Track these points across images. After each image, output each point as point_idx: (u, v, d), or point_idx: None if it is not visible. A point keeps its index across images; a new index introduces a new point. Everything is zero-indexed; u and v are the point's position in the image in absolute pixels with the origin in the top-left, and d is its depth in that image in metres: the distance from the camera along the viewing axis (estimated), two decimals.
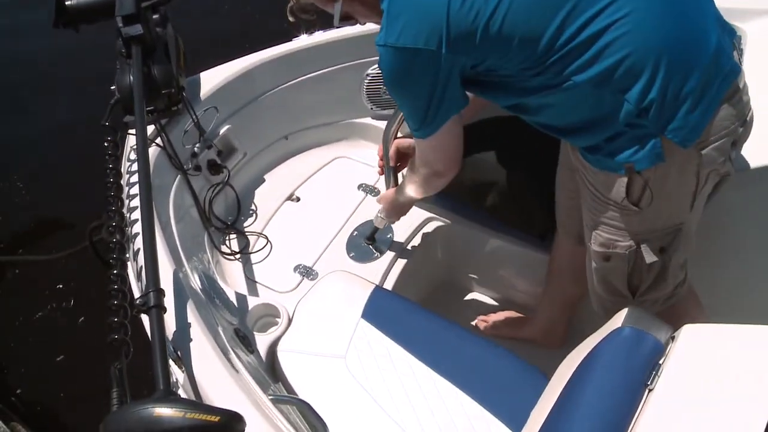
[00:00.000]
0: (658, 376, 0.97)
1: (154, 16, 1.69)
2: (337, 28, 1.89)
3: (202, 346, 1.14)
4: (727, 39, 1.11)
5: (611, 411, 0.98)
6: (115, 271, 1.18)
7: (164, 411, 0.89)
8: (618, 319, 1.10)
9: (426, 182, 1.40)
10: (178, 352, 1.14)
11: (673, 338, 1.04)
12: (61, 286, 2.51)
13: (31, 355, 2.37)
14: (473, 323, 1.89)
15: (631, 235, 1.20)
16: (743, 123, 1.13)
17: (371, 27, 1.89)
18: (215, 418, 0.92)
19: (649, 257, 1.22)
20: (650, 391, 0.97)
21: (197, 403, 0.96)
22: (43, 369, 2.30)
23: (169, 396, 0.97)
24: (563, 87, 1.05)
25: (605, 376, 1.02)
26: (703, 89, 1.04)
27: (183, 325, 1.17)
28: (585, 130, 1.11)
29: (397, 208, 1.66)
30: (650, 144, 1.05)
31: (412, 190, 1.48)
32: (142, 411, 0.89)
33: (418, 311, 1.50)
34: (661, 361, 1.00)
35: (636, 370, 1.01)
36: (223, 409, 0.93)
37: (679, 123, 1.03)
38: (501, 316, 1.86)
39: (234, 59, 1.91)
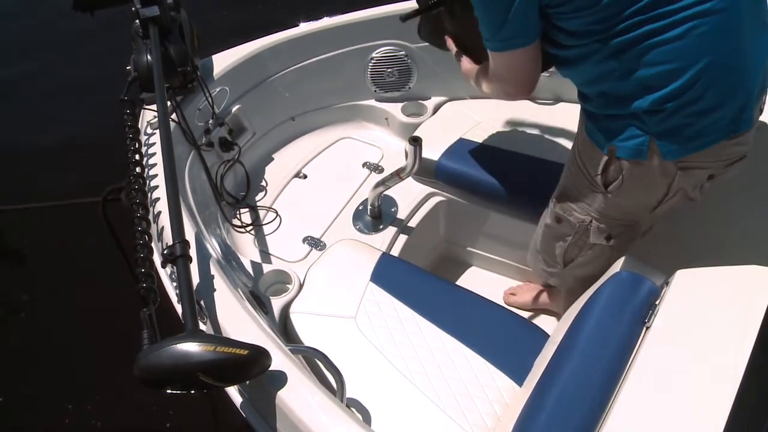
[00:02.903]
0: (655, 315, 1.04)
1: (168, 1, 1.77)
2: None
3: (224, 296, 1.19)
4: (760, 95, 1.10)
5: (609, 348, 1.04)
6: (140, 229, 1.24)
7: (195, 345, 0.93)
8: (616, 266, 1.18)
9: (495, 93, 1.36)
10: (201, 304, 1.20)
11: (667, 283, 1.11)
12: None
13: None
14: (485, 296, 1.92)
15: (589, 212, 1.28)
16: (731, 164, 1.14)
17: (375, 12, 2.00)
18: (244, 352, 0.98)
19: (595, 238, 1.29)
20: (648, 328, 1.04)
21: (226, 338, 1.02)
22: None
23: (198, 333, 1.02)
24: (605, 63, 1.06)
25: (604, 316, 1.09)
26: (712, 125, 1.05)
27: (206, 278, 1.23)
28: (597, 100, 1.14)
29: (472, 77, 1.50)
30: (639, 140, 1.09)
31: (483, 86, 1.40)
32: (174, 346, 0.93)
33: (423, 275, 1.57)
34: (657, 302, 1.08)
35: (634, 310, 1.08)
36: (250, 344, 0.99)
37: (673, 138, 1.06)
38: (525, 288, 1.91)
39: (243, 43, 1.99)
